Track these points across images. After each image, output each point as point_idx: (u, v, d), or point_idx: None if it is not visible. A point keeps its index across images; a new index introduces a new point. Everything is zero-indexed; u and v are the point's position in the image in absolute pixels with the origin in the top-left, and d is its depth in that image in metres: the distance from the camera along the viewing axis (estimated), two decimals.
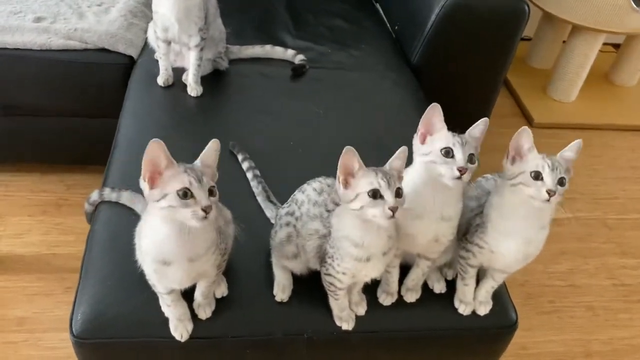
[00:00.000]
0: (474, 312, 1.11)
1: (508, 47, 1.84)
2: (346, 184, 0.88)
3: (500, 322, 1.12)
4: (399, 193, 0.86)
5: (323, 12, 2.04)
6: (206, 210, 0.81)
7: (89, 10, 1.78)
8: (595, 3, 2.29)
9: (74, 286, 1.10)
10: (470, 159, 0.91)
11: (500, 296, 1.14)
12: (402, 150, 0.90)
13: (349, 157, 0.87)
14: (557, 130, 2.50)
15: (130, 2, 1.84)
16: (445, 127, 0.95)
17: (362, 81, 1.71)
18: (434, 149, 0.92)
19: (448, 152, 0.91)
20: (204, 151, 0.88)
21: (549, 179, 0.90)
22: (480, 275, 1.11)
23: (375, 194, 0.85)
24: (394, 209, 0.84)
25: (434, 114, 0.95)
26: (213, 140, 0.88)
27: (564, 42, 2.69)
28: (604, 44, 2.62)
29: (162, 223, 0.86)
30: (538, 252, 1.00)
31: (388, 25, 2.10)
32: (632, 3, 2.25)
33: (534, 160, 0.92)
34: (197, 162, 0.87)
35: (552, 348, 1.67)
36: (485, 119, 0.96)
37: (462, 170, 0.89)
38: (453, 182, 0.90)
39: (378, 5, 2.22)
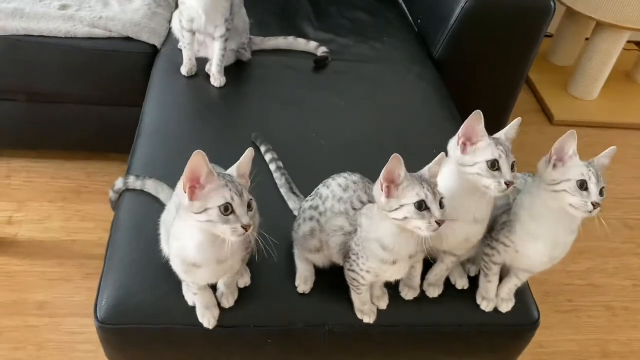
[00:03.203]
0: (496, 309, 1.10)
1: (532, 44, 1.82)
2: (389, 193, 0.86)
3: (523, 320, 1.12)
4: (442, 204, 0.85)
5: (345, 5, 2.03)
6: (247, 229, 0.81)
7: None
8: (620, 0, 2.25)
9: (94, 273, 1.10)
10: (512, 167, 0.90)
11: (522, 294, 1.13)
12: (441, 156, 0.88)
13: (396, 166, 0.84)
14: (578, 128, 2.40)
15: None
16: (487, 135, 0.91)
17: (385, 74, 1.71)
18: (479, 162, 0.90)
19: (494, 165, 0.89)
20: (240, 160, 0.86)
21: (594, 190, 0.88)
22: (503, 273, 1.10)
23: (421, 206, 0.83)
24: (440, 222, 0.83)
25: (477, 122, 0.91)
26: (249, 149, 0.86)
27: (586, 39, 2.66)
28: (628, 42, 2.58)
29: (197, 232, 0.86)
30: (564, 255, 1.00)
31: (410, 18, 2.08)
32: None
33: (578, 168, 0.90)
34: (233, 170, 0.86)
35: (569, 347, 1.66)
36: (519, 119, 0.95)
37: (509, 184, 0.88)
38: (500, 194, 0.89)
39: None
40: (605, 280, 1.88)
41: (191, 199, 0.81)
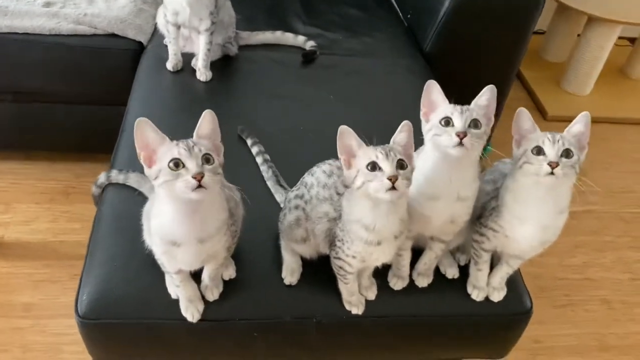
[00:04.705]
0: (487, 299, 1.08)
1: (522, 37, 1.80)
2: (349, 165, 0.87)
3: (515, 309, 1.09)
4: (402, 165, 0.83)
5: (335, 1, 2.02)
6: (197, 177, 0.78)
7: None
8: None
9: (81, 273, 1.08)
10: (475, 124, 0.88)
11: (514, 283, 1.11)
12: (405, 124, 0.87)
13: (346, 137, 0.86)
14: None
15: None
16: (446, 101, 0.92)
17: (374, 68, 1.69)
18: (434, 123, 0.90)
19: (448, 122, 0.88)
20: (199, 122, 0.85)
21: (550, 151, 0.87)
22: (494, 261, 1.08)
23: (374, 167, 0.83)
24: (392, 178, 0.81)
25: (432, 90, 0.93)
26: (206, 110, 0.85)
27: (578, 35, 2.65)
28: (620, 37, 2.58)
29: (169, 202, 0.84)
30: (555, 238, 0.97)
31: (400, 13, 2.07)
32: None
33: (535, 137, 0.90)
34: (194, 135, 0.85)
35: (566, 342, 1.64)
36: (491, 86, 0.92)
37: (460, 135, 0.86)
38: (455, 150, 0.87)
39: None
40: (601, 274, 1.85)
41: (149, 166, 0.81)
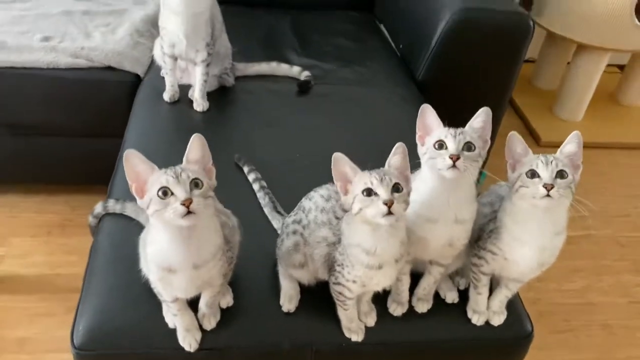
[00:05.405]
0: (487, 323, 1.07)
1: (513, 63, 1.83)
2: (346, 191, 0.87)
3: (515, 333, 1.09)
4: (397, 189, 0.83)
5: (328, 32, 2.06)
6: (186, 204, 0.78)
7: (96, 30, 1.80)
8: (599, 21, 2.29)
9: (77, 304, 1.07)
10: (469, 147, 0.89)
11: (514, 306, 1.10)
12: (398, 146, 0.87)
13: (341, 164, 0.87)
14: None
15: (137, 21, 1.86)
16: (441, 124, 0.93)
17: (369, 96, 1.71)
18: (429, 147, 0.92)
19: (441, 145, 0.90)
20: (187, 148, 0.85)
21: (544, 174, 0.88)
22: (493, 285, 1.08)
23: (369, 193, 0.83)
24: (387, 203, 0.81)
25: (427, 114, 0.94)
26: (195, 134, 0.85)
27: (568, 63, 2.70)
28: (609, 65, 2.63)
29: (163, 230, 0.84)
30: (553, 260, 0.97)
31: (392, 44, 2.11)
32: (636, 20, 2.25)
33: (529, 161, 0.91)
34: (184, 160, 0.85)
35: None
36: (485, 108, 0.94)
37: (453, 158, 0.87)
38: (449, 172, 0.88)
39: (382, 26, 2.24)
40: (600, 298, 1.84)
41: (141, 197, 0.82)
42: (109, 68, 1.70)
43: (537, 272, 0.98)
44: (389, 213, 0.81)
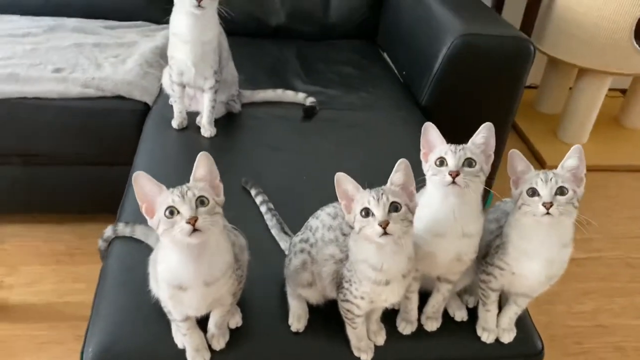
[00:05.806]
0: (497, 341, 1.06)
1: (515, 87, 1.85)
2: (349, 210, 0.88)
3: (526, 350, 1.08)
4: (395, 207, 0.83)
5: (332, 61, 2.11)
6: (191, 222, 0.79)
7: (106, 61, 1.84)
8: (600, 46, 2.33)
9: (86, 327, 1.07)
10: (469, 163, 0.90)
11: (523, 324, 1.10)
12: (401, 162, 0.88)
13: (343, 183, 0.88)
14: None
15: (146, 53, 1.90)
16: (444, 141, 0.95)
17: (373, 120, 1.74)
18: (431, 164, 0.93)
19: (442, 162, 0.91)
20: (194, 166, 0.87)
21: (544, 192, 0.89)
22: (502, 302, 1.07)
23: (367, 213, 0.84)
24: (382, 224, 0.82)
25: (430, 132, 0.96)
26: (201, 153, 0.87)
27: (570, 88, 2.73)
28: (611, 89, 2.65)
29: (173, 248, 0.85)
30: (562, 272, 0.97)
31: (396, 71, 2.14)
32: (635, 44, 2.28)
33: (529, 178, 0.92)
34: (191, 178, 0.87)
35: None
36: (488, 123, 0.96)
37: (452, 174, 0.89)
38: (449, 188, 0.90)
39: (385, 54, 2.28)
40: (612, 320, 1.82)
41: (151, 217, 0.83)
42: (119, 97, 1.73)
43: (546, 286, 0.98)
44: (385, 233, 0.82)
